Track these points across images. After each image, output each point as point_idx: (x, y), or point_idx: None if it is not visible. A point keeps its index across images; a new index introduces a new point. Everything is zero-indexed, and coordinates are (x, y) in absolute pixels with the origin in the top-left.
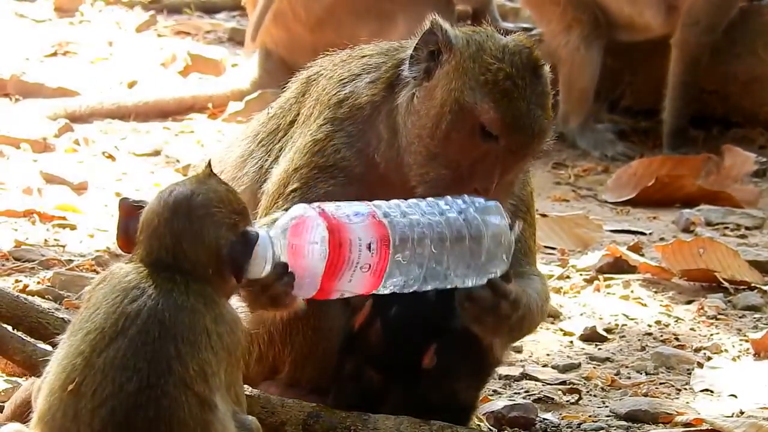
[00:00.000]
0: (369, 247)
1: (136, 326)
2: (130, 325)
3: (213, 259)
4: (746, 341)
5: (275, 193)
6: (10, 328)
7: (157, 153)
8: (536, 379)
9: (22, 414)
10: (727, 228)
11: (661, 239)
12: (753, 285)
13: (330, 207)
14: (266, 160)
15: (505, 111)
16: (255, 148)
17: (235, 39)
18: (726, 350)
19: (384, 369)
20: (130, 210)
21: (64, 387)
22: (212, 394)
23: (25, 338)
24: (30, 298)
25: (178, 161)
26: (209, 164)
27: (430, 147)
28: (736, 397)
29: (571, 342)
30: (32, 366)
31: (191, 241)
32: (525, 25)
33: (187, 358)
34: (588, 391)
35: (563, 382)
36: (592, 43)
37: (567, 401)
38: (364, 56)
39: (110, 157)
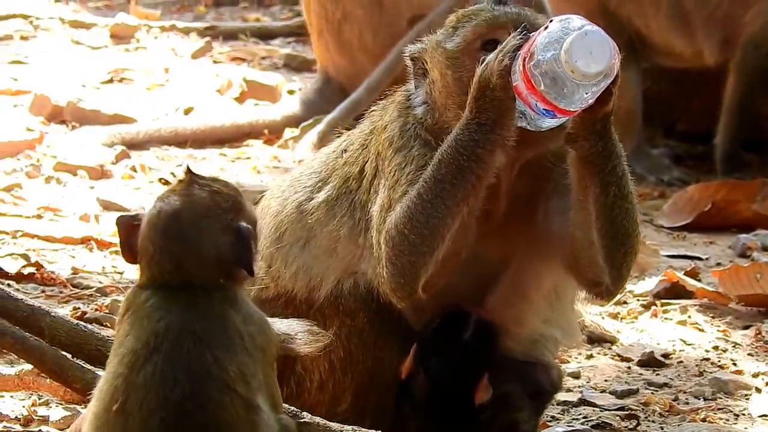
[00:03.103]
0: None
1: (168, 342)
2: (162, 341)
3: (218, 267)
4: None
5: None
6: (69, 355)
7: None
8: (594, 405)
9: None
10: None
11: (718, 264)
12: None
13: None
14: (355, 215)
15: (482, 17)
16: (335, 195)
17: (291, 65)
18: None
19: (438, 414)
20: (129, 227)
21: (109, 408)
22: (254, 396)
23: (84, 366)
24: (88, 325)
25: None
26: (188, 170)
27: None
28: None
29: (629, 367)
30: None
31: (191, 260)
32: None
33: (225, 362)
34: (646, 417)
35: (621, 408)
36: (629, 65)
37: (625, 427)
38: (394, 99)
39: (167, 183)
